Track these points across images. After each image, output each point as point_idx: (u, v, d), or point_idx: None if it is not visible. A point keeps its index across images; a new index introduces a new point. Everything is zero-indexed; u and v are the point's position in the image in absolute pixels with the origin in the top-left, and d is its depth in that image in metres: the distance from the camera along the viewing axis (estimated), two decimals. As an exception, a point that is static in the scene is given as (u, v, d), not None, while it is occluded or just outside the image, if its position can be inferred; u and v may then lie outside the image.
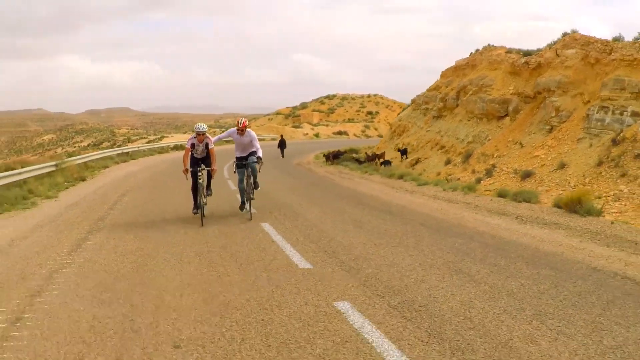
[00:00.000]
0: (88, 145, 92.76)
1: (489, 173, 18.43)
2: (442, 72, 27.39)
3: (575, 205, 10.84)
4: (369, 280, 6.12)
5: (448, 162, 21.70)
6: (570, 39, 19.34)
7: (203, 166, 10.28)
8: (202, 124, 10.27)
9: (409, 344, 4.32)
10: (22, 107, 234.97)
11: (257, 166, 10.61)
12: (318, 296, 5.58)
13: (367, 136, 69.43)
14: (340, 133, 69.52)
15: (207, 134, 10.33)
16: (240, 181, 10.73)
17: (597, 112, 17.04)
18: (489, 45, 23.62)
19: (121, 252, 7.78)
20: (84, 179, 19.21)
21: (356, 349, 4.29)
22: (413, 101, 31.36)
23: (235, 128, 10.60)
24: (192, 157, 10.34)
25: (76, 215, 11.38)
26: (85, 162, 23.59)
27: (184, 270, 6.77)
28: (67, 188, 16.96)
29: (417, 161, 23.83)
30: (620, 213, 11.57)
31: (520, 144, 19.20)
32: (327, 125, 73.28)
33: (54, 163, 19.89)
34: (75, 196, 14.89)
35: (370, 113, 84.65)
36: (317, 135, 64.92)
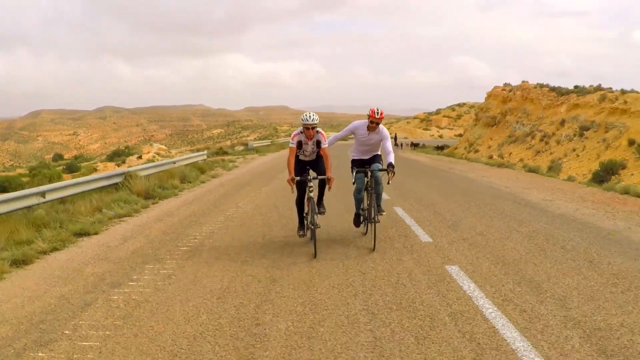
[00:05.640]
0: (254, 139, 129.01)
1: (471, 151, 44.91)
2: (485, 97, 52.73)
3: (454, 153, 38.39)
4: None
5: (465, 148, 47.98)
6: (519, 86, 44.85)
7: (312, 174, 8.23)
8: (311, 114, 8.05)
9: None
10: (185, 103, 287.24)
11: (388, 177, 8.10)
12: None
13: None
14: (460, 135, 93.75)
15: (319, 129, 8.10)
16: (359, 190, 8.62)
17: (515, 124, 42.85)
18: (496, 85, 49.48)
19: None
20: (284, 148, 49.42)
21: None
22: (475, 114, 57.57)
23: (365, 121, 8.50)
24: (298, 161, 8.37)
25: (276, 159, 40.86)
26: (282, 142, 54.36)
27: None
28: (277, 151, 47.07)
29: (456, 148, 50.10)
30: (476, 155, 38.37)
31: (491, 138, 45.21)
32: (451, 129, 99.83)
33: (270, 141, 50.65)
34: (280, 153, 44.67)
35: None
36: (440, 136, 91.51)
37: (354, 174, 8.50)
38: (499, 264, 7.14)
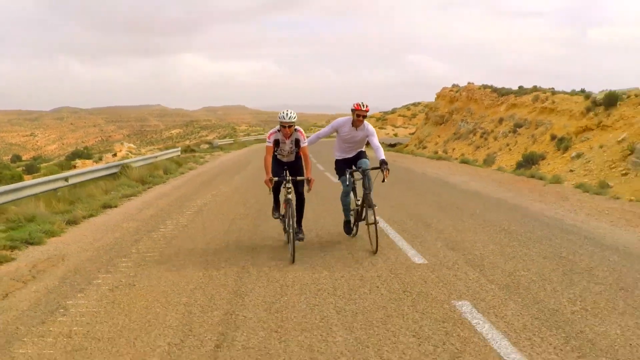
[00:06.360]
0: (213, 138, 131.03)
1: (420, 148, 48.84)
2: (435, 97, 57.02)
3: (403, 150, 42.17)
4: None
5: (415, 145, 51.97)
6: (465, 87, 49.05)
7: (289, 177, 7.76)
8: (288, 111, 7.67)
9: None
10: (143, 103, 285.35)
11: (383, 175, 7.82)
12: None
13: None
14: (413, 133, 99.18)
15: (298, 127, 7.80)
16: (347, 194, 8.29)
17: (461, 122, 46.92)
18: (444, 87, 53.82)
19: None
20: (245, 146, 52.55)
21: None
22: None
23: (348, 117, 8.19)
24: (275, 161, 8.03)
25: (240, 155, 44.14)
26: (243, 141, 57.43)
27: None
28: (239, 149, 50.19)
29: (407, 146, 54.17)
30: (424, 151, 42.31)
31: (439, 136, 49.25)
32: (406, 128, 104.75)
33: (233, 139, 53.79)
34: (243, 151, 47.87)
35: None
36: (395, 135, 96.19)
37: (339, 175, 8.37)
38: (408, 216, 10.59)
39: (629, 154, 21.99)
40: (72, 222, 10.70)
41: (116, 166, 17.66)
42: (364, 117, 8.07)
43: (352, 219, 8.51)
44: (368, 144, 8.50)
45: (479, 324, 5.11)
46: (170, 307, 5.74)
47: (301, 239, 8.05)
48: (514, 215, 10.72)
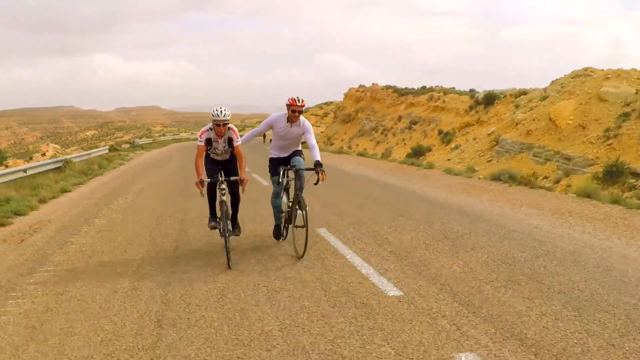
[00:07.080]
0: (128, 139, 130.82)
1: (328, 144, 53.05)
2: (343, 97, 61.59)
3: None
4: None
5: (324, 142, 56.23)
6: (370, 88, 53.78)
7: (223, 177, 7.56)
8: (222, 108, 7.33)
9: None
10: (55, 104, 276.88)
11: (317, 177, 7.50)
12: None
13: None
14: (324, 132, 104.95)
15: (231, 125, 7.58)
16: (277, 195, 8.09)
17: (365, 120, 51.49)
18: (352, 87, 58.61)
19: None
20: (165, 145, 55.07)
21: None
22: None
23: (284, 113, 7.89)
24: (209, 160, 7.81)
25: (161, 153, 46.88)
26: (162, 140, 59.79)
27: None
28: (160, 147, 52.75)
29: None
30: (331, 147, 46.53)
31: (345, 133, 53.67)
32: (318, 126, 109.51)
33: (152, 139, 56.28)
34: (163, 149, 50.54)
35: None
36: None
37: (271, 174, 8.07)
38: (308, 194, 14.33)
39: (495, 145, 26.81)
40: (42, 201, 13.73)
41: (60, 161, 20.53)
42: (300, 112, 7.79)
43: (282, 222, 8.32)
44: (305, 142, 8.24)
45: (328, 236, 8.88)
46: (141, 237, 9.19)
47: (237, 234, 8.11)
48: (380, 188, 14.69)
